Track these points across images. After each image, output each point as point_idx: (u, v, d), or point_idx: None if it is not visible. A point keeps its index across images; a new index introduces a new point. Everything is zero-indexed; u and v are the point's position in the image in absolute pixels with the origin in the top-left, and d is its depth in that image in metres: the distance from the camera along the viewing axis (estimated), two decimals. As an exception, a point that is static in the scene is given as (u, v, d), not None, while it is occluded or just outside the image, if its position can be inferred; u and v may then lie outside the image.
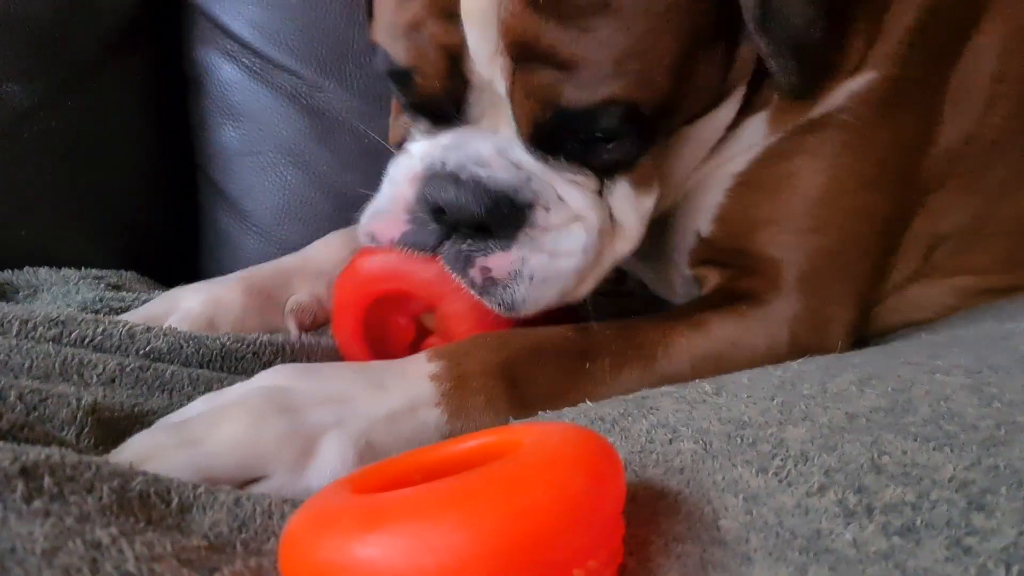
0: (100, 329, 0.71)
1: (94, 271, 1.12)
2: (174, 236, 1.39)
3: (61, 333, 0.69)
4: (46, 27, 1.22)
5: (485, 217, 0.73)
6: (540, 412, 0.67)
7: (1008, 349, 0.68)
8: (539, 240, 0.75)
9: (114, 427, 0.58)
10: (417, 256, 0.73)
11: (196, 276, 1.26)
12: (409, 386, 0.64)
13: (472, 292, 0.74)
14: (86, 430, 0.56)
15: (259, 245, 1.36)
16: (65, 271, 1.11)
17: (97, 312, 0.90)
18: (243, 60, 1.39)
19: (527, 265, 0.74)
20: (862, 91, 0.84)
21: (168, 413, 0.62)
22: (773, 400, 0.62)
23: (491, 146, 0.75)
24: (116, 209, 1.29)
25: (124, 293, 1.00)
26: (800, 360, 0.73)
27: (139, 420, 0.59)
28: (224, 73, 1.40)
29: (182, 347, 0.73)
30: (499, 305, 0.74)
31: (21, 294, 1.03)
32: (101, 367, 0.66)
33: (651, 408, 0.63)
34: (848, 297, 0.86)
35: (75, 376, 0.64)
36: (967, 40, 0.89)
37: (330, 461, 0.58)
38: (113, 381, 0.65)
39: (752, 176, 0.86)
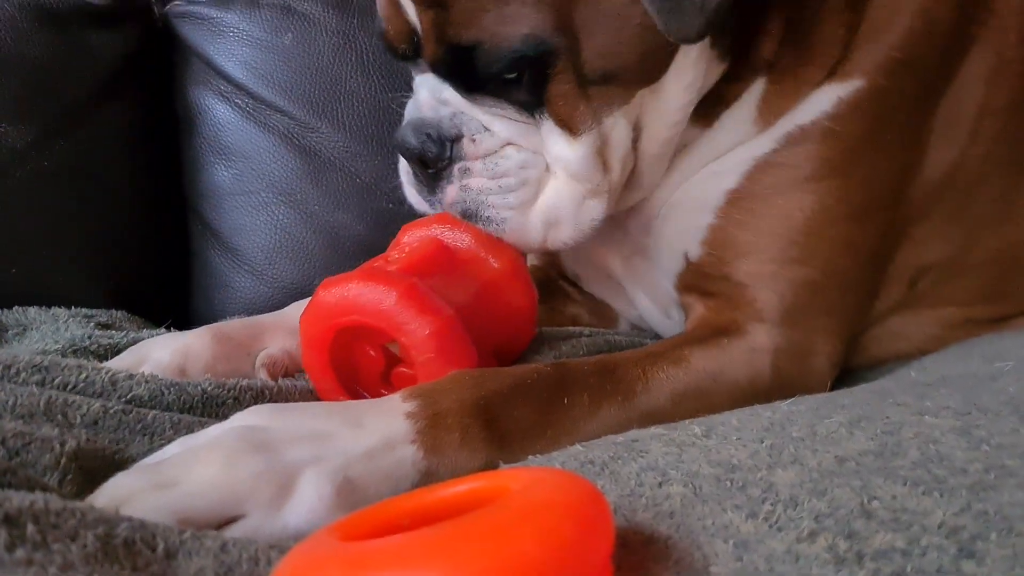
0: (83, 376, 0.70)
1: (84, 310, 1.12)
2: (165, 275, 1.38)
3: (44, 379, 0.68)
4: (40, 68, 1.23)
5: (421, 151, 0.83)
6: (529, 456, 0.66)
7: (996, 390, 0.68)
8: (473, 167, 0.82)
9: (96, 473, 0.56)
10: (375, 286, 0.74)
11: (187, 316, 1.38)
12: (385, 424, 0.63)
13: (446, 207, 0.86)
14: (69, 476, 0.55)
15: (251, 284, 1.35)
16: (55, 310, 1.10)
17: (86, 349, 0.90)
18: (236, 101, 1.39)
19: (469, 192, 0.83)
20: (850, 98, 0.84)
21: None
22: (762, 442, 0.61)
23: (426, 90, 0.84)
24: (107, 249, 1.28)
25: (113, 331, 0.99)
26: (790, 401, 0.72)
27: (120, 465, 0.57)
28: (217, 113, 1.40)
29: (163, 393, 0.72)
30: (462, 215, 0.85)
31: (10, 332, 1.02)
32: (85, 408, 0.65)
33: (640, 451, 0.63)
34: (832, 329, 0.85)
35: (59, 416, 0.63)
36: (958, 67, 0.89)
37: (308, 498, 0.57)
38: (96, 423, 0.64)
39: (743, 193, 0.86)
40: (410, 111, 0.86)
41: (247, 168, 1.37)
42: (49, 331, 0.99)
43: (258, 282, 1.34)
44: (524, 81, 0.79)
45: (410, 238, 0.85)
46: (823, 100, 0.84)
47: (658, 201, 0.91)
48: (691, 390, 0.78)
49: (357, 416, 0.63)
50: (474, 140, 0.82)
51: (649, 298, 1.02)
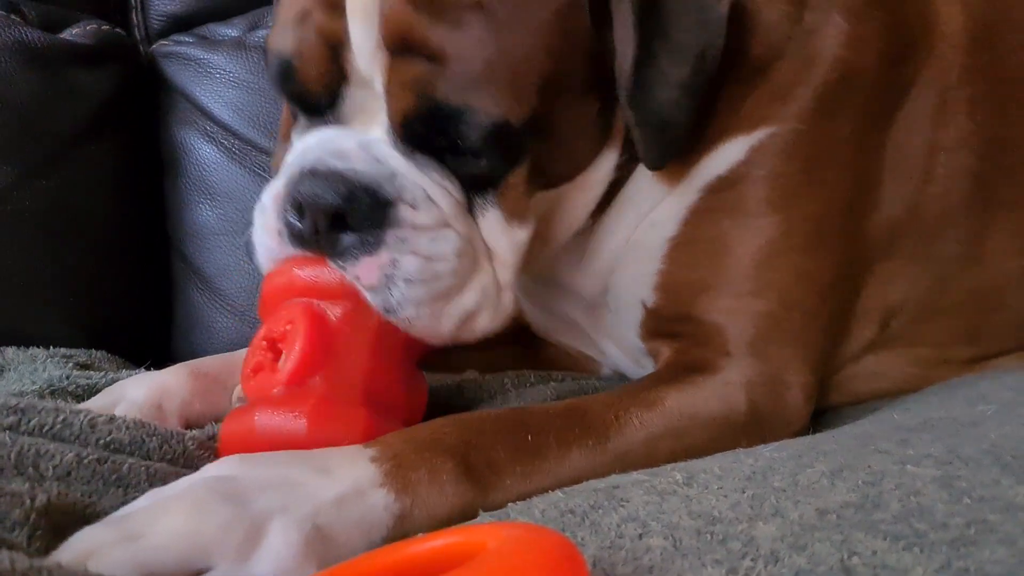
0: (60, 418, 0.68)
1: (63, 350, 1.10)
2: (147, 315, 1.37)
3: (19, 421, 0.66)
4: (23, 108, 1.23)
5: (343, 206, 0.72)
6: (508, 503, 0.65)
7: (978, 437, 0.68)
8: (410, 241, 0.74)
9: (67, 527, 0.54)
10: (283, 415, 0.71)
11: (168, 356, 1.33)
12: (352, 469, 0.62)
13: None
14: (39, 531, 0.53)
15: (233, 324, 1.34)
16: (33, 350, 1.08)
17: (64, 389, 0.89)
18: (222, 141, 1.39)
19: (400, 267, 0.74)
20: (763, 144, 0.85)
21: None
22: (744, 492, 0.60)
23: (354, 142, 0.76)
24: (88, 289, 1.27)
25: (92, 372, 0.98)
26: (773, 446, 0.72)
27: (91, 520, 0.55)
28: (203, 153, 1.40)
29: (144, 441, 0.70)
30: (379, 307, 0.74)
31: (-13, 373, 1.01)
32: (58, 458, 0.62)
33: (622, 499, 0.62)
34: (801, 361, 0.85)
35: (30, 469, 0.61)
36: (898, 107, 0.91)
37: (276, 547, 0.55)
38: (69, 474, 0.62)
39: (684, 238, 0.87)
40: (310, 160, 0.75)
41: (232, 208, 1.37)
42: (27, 371, 0.97)
43: (240, 323, 1.33)
44: (485, 162, 0.76)
45: (289, 312, 0.74)
46: (732, 151, 0.85)
47: (608, 254, 0.92)
48: (666, 432, 0.77)
49: (325, 463, 0.63)
50: (415, 208, 0.75)
51: (617, 347, 1.01)
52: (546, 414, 0.74)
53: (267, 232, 0.78)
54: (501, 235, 0.80)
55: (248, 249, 0.80)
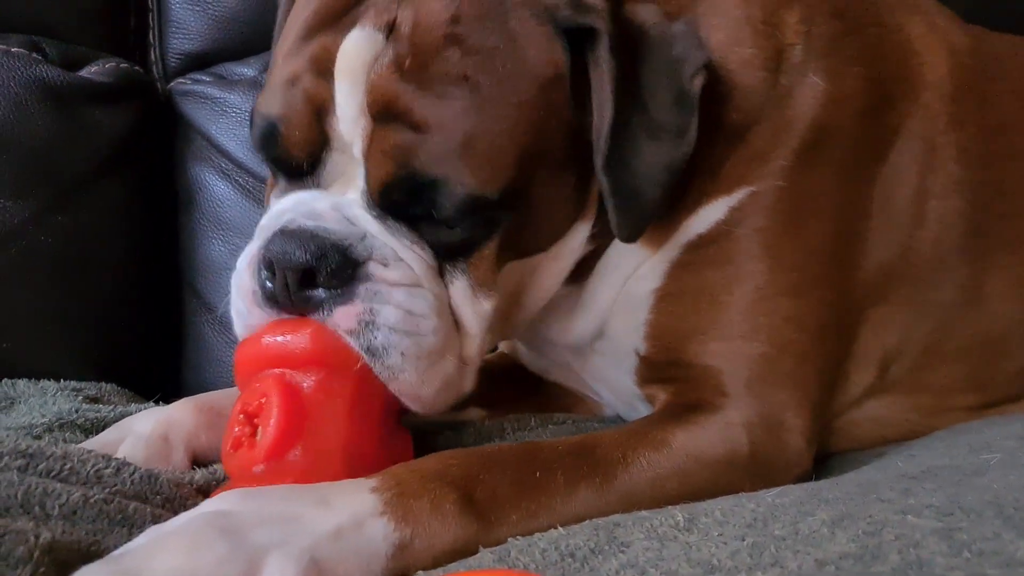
0: (67, 466, 0.68)
1: (73, 383, 1.11)
2: (157, 349, 1.37)
3: (27, 464, 0.67)
4: (41, 144, 1.23)
5: (312, 263, 0.72)
6: (509, 538, 0.65)
7: (981, 487, 0.66)
8: (384, 294, 0.74)
9: (70, 565, 0.54)
10: None
11: (178, 389, 1.34)
12: (352, 500, 0.62)
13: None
14: (41, 569, 0.52)
15: None
16: (44, 383, 1.09)
17: (73, 423, 0.90)
18: (236, 178, 1.40)
19: (380, 315, 0.74)
20: (742, 204, 0.85)
21: (124, 551, 0.59)
22: (744, 540, 0.60)
23: (327, 203, 0.76)
24: (100, 323, 1.27)
25: (101, 405, 0.99)
26: (776, 491, 0.71)
27: (94, 558, 0.55)
28: (217, 190, 1.41)
29: (148, 497, 0.70)
30: (362, 349, 0.73)
31: (-3, 405, 1.01)
32: (64, 497, 0.63)
33: (622, 544, 0.61)
34: (799, 404, 0.85)
35: (36, 508, 0.61)
36: (883, 158, 0.91)
37: None
38: (75, 513, 0.62)
39: (669, 290, 0.87)
40: (282, 221, 0.75)
41: (244, 243, 1.18)
42: (37, 404, 0.98)
43: None
44: (459, 232, 0.77)
45: (263, 385, 0.73)
46: (712, 212, 0.86)
47: (596, 313, 0.92)
48: (673, 473, 0.77)
49: (323, 496, 0.63)
50: (386, 265, 0.75)
51: (610, 391, 1.01)
52: (556, 451, 0.73)
53: (241, 295, 0.78)
54: (467, 304, 0.80)
55: (230, 318, 0.80)
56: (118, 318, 1.29)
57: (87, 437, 0.89)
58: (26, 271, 1.20)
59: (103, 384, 1.15)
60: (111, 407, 0.97)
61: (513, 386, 1.07)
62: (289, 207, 0.78)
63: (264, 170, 1.33)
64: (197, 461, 0.85)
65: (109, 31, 1.41)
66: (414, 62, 0.73)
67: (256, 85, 1.41)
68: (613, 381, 0.98)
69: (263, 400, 0.73)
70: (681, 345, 0.87)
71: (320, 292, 0.74)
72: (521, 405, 1.06)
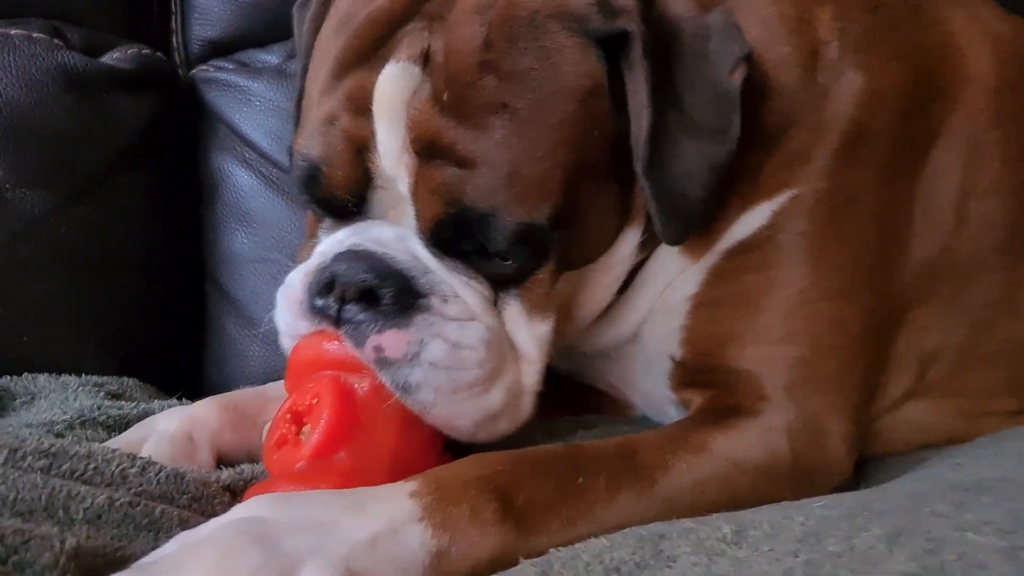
0: (92, 466, 0.68)
1: (94, 378, 1.10)
2: (179, 343, 1.37)
3: (50, 465, 0.66)
4: (62, 134, 1.22)
5: (377, 284, 0.73)
6: (552, 551, 0.64)
7: (1040, 501, 0.64)
8: (438, 327, 0.75)
9: (96, 572, 0.54)
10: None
11: (200, 385, 1.35)
12: (389, 506, 0.62)
13: (372, 368, 0.74)
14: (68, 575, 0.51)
15: (266, 354, 1.33)
16: (65, 378, 1.09)
17: (95, 420, 0.90)
18: (260, 168, 1.40)
19: (427, 349, 0.74)
20: (784, 207, 0.85)
21: (150, 555, 0.59)
22: (797, 557, 0.57)
23: (392, 233, 0.77)
24: (121, 316, 1.26)
25: (123, 402, 0.99)
26: (822, 502, 0.69)
27: (121, 564, 0.55)
28: (240, 180, 1.40)
29: (174, 497, 0.70)
30: (394, 385, 0.73)
31: (18, 401, 1.01)
32: (89, 500, 0.62)
33: (668, 559, 0.60)
34: (840, 409, 0.84)
35: (60, 512, 0.60)
36: (925, 156, 0.90)
37: None
38: (100, 517, 0.62)
39: (706, 297, 0.87)
40: (347, 244, 0.77)
41: (267, 235, 1.37)
42: (58, 400, 0.98)
43: (273, 352, 1.24)
44: (512, 263, 0.77)
45: (316, 385, 0.74)
46: (755, 217, 0.85)
47: (631, 323, 0.92)
48: (713, 478, 0.76)
49: (360, 501, 0.62)
50: (445, 300, 0.76)
51: (641, 398, 1.01)
52: (599, 454, 0.73)
53: (288, 306, 0.78)
54: (523, 330, 0.80)
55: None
56: (139, 312, 1.29)
57: (109, 435, 0.89)
58: (46, 263, 1.19)
59: (125, 379, 1.14)
60: (133, 404, 0.97)
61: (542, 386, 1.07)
62: (351, 234, 0.79)
63: (287, 159, 1.28)
64: (221, 461, 0.85)
65: (131, 17, 1.41)
66: (452, 95, 0.74)
67: (280, 74, 1.41)
68: (642, 384, 0.98)
69: (314, 401, 0.73)
70: (718, 350, 0.86)
71: (371, 316, 0.74)
72: (550, 405, 1.01)
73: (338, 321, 0.75)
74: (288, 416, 0.74)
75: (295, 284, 0.78)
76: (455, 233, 0.76)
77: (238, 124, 1.41)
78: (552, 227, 0.76)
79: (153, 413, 0.94)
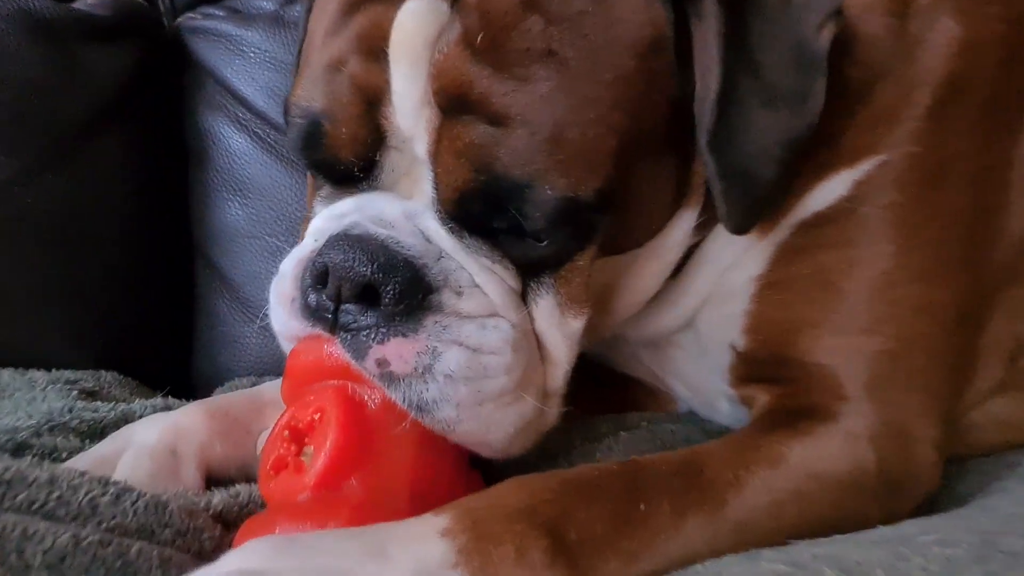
0: (55, 495, 0.60)
1: (67, 373, 1.06)
2: (166, 330, 1.32)
3: (3, 495, 0.59)
4: (29, 89, 1.18)
5: (379, 279, 0.66)
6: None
7: None
8: (454, 330, 0.68)
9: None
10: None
11: (190, 379, 1.32)
12: (417, 549, 0.57)
13: (377, 383, 0.68)
14: None
15: (265, 342, 1.27)
16: (32, 373, 1.05)
17: (65, 425, 0.85)
18: (255, 130, 1.35)
19: (441, 359, 0.67)
20: (869, 176, 0.80)
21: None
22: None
23: (399, 209, 0.70)
24: (98, 300, 1.22)
25: (99, 402, 0.94)
26: (935, 536, 0.62)
27: None
28: (233, 144, 1.36)
29: (154, 532, 0.62)
30: (406, 403, 0.67)
31: (-24, 402, 0.97)
32: (50, 540, 0.55)
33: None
34: (928, 409, 0.80)
35: (13, 556, 0.53)
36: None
37: None
38: (63, 561, 0.55)
39: (775, 277, 0.82)
40: (344, 224, 0.70)
41: (265, 207, 1.32)
42: (24, 400, 0.93)
43: (272, 339, 1.23)
44: (548, 244, 0.70)
45: (318, 398, 0.68)
46: (833, 187, 0.81)
47: (683, 311, 0.88)
48: (792, 496, 0.71)
49: (380, 545, 0.57)
50: (460, 294, 0.69)
51: (688, 389, 0.97)
52: (660, 473, 0.68)
53: (281, 302, 0.72)
54: (553, 327, 0.74)
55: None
56: (119, 294, 1.24)
57: (83, 442, 0.84)
58: (12, 238, 1.15)
59: (102, 373, 1.10)
60: (110, 405, 0.91)
61: (574, 377, 1.03)
62: (352, 209, 0.71)
63: None
64: (211, 477, 0.80)
65: (107, -43, 1.36)
66: (487, 37, 0.67)
67: (277, 21, 1.36)
68: (693, 376, 0.94)
69: (317, 416, 0.67)
70: (788, 339, 0.81)
71: (372, 320, 0.67)
72: (584, 400, 0.95)
73: (334, 325, 0.68)
74: (286, 433, 0.68)
75: (286, 275, 0.72)
76: (482, 207, 0.69)
77: (229, 79, 1.36)
78: (599, 205, 0.70)
79: (134, 415, 0.90)
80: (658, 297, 0.86)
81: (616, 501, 0.64)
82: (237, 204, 1.34)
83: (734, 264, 0.84)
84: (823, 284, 0.80)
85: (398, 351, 0.67)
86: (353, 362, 0.67)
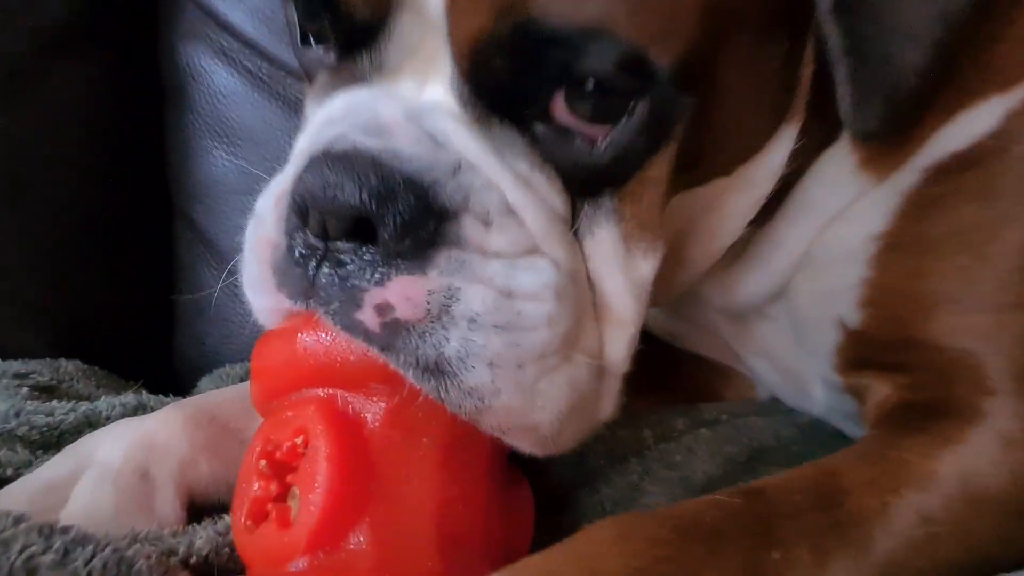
0: None
1: (16, 365, 0.99)
2: (139, 307, 1.26)
3: None
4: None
5: (370, 207, 0.58)
6: None
7: None
8: (475, 266, 0.60)
9: None
10: None
11: (170, 365, 1.27)
12: None
13: (372, 350, 0.58)
14: None
15: (251, 314, 1.19)
16: (-26, 365, 0.99)
17: (12, 433, 0.80)
18: (245, 63, 1.28)
19: (461, 299, 0.59)
20: None
21: None
22: None
23: (397, 109, 0.62)
24: (56, 272, 1.16)
25: (56, 401, 0.89)
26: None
27: None
28: (218, 80, 1.29)
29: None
30: (420, 365, 0.58)
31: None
32: None
33: None
34: None
35: None
36: None
37: None
38: None
39: (901, 236, 0.76)
40: (326, 137, 0.63)
41: (256, 155, 1.25)
42: None
43: None
44: (609, 142, 0.61)
45: (299, 414, 0.60)
46: (977, 120, 0.74)
47: (789, 254, 0.81)
48: (950, 527, 0.67)
49: None
50: (487, 223, 0.60)
51: (776, 371, 0.91)
52: (793, 509, 0.63)
53: (256, 255, 0.64)
54: (614, 269, 0.65)
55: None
56: (80, 264, 1.18)
57: (33, 454, 0.79)
58: None
59: (61, 363, 1.03)
60: (70, 405, 0.85)
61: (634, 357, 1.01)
62: (337, 115, 0.63)
63: (282, 50, 1.26)
64: (195, 502, 0.73)
65: None
66: None
67: None
68: (784, 358, 0.88)
69: (299, 440, 0.59)
70: (918, 316, 0.76)
71: (368, 256, 0.58)
72: (646, 385, 0.85)
73: (314, 276, 0.60)
74: (263, 465, 0.59)
75: (264, 214, 0.64)
76: (512, 68, 0.59)
77: (213, 1, 1.30)
78: (679, 82, 0.60)
79: (100, 418, 0.83)
80: (742, 253, 0.80)
81: (746, 552, 0.59)
82: (223, 153, 1.28)
83: (843, 215, 0.77)
84: (964, 246, 0.75)
85: (404, 291, 0.58)
86: (340, 324, 0.58)
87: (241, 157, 1.27)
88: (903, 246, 0.76)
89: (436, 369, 0.58)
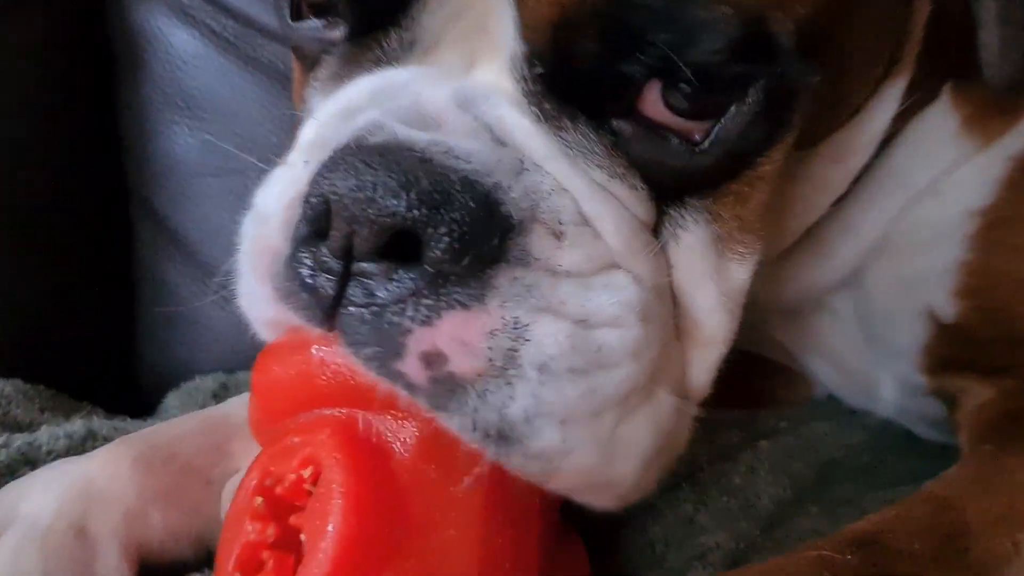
0: None
1: None
2: (93, 308, 1.19)
3: None
4: None
5: (419, 217, 0.52)
6: None
7: None
8: (544, 290, 0.54)
9: None
10: None
11: (132, 375, 1.21)
12: None
13: (417, 403, 0.53)
14: None
15: (231, 317, 1.12)
16: None
17: None
18: (207, 22, 1.22)
19: (530, 340, 0.53)
20: None
21: None
22: None
23: (445, 92, 0.57)
24: None
25: None
26: None
27: None
28: (177, 43, 1.23)
29: None
30: (478, 431, 0.53)
31: None
32: None
33: None
34: None
35: None
36: None
37: None
38: None
39: (1007, 211, 0.75)
40: (357, 126, 0.56)
41: (226, 131, 1.19)
42: None
43: (236, 313, 1.16)
44: (714, 141, 0.56)
45: (308, 439, 0.55)
46: None
47: (864, 236, 0.78)
48: None
49: None
50: (560, 234, 0.55)
51: (838, 371, 0.90)
52: (915, 561, 0.60)
53: (255, 264, 0.59)
54: (706, 280, 0.62)
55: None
56: (20, 261, 1.12)
57: None
58: None
59: (2, 382, 0.95)
60: (2, 438, 0.78)
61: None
62: (367, 99, 0.58)
63: (254, 8, 1.21)
64: (148, 564, 0.67)
65: None
66: None
67: None
68: (849, 356, 0.86)
69: (306, 473, 0.54)
70: None
71: (408, 282, 0.52)
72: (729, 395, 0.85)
73: (335, 304, 0.53)
74: (259, 502, 0.54)
75: (271, 214, 0.58)
76: (600, 54, 0.54)
77: None
78: (803, 54, 0.57)
79: (38, 454, 0.77)
80: (802, 238, 0.76)
81: None
82: (186, 128, 1.22)
83: (934, 188, 0.75)
84: None
85: (458, 332, 0.52)
86: (375, 371, 0.52)
87: (206, 131, 1.22)
88: (1011, 222, 0.74)
89: (497, 433, 0.53)
